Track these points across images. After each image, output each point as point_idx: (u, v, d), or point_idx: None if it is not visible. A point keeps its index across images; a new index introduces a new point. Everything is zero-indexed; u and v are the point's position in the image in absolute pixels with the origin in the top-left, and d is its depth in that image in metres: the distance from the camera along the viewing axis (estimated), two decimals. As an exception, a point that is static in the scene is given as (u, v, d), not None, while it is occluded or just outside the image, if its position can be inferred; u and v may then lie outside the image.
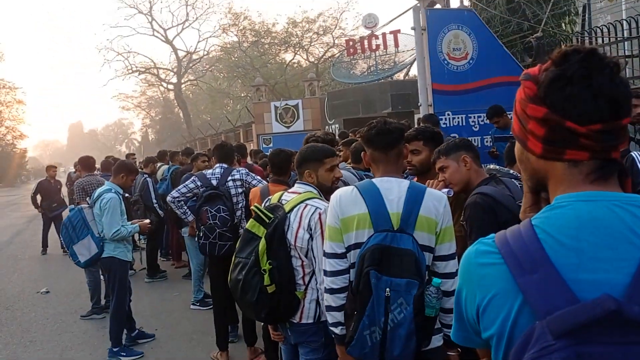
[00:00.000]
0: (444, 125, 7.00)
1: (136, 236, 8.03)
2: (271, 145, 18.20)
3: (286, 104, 19.15)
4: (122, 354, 5.17)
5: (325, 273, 2.39)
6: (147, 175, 8.39)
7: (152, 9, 35.54)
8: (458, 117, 7.30)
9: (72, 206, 5.45)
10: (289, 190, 2.94)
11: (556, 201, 1.00)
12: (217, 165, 5.23)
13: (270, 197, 3.02)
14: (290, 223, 2.73)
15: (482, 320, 1.02)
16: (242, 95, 35.41)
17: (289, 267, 2.72)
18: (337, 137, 6.83)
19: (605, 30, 8.45)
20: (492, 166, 4.92)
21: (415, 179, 3.34)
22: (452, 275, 2.32)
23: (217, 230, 4.78)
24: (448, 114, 7.23)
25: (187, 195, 5.23)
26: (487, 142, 7.20)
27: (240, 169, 5.26)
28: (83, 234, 5.03)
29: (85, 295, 7.08)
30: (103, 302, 6.68)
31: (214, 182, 5.03)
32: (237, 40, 33.04)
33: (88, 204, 5.24)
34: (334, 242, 2.35)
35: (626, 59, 8.23)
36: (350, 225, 2.31)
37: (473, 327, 1.07)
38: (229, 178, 5.04)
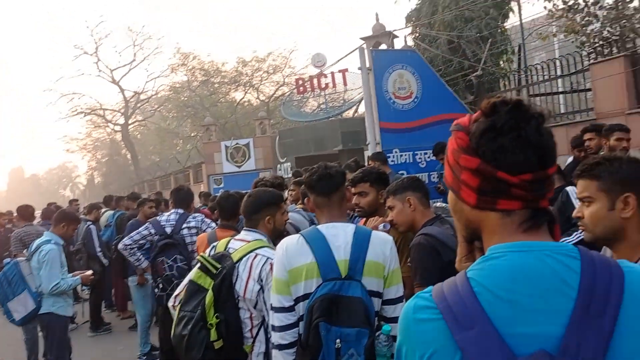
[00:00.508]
0: (392, 163, 7.09)
1: (78, 287, 7.67)
2: (222, 185, 18.01)
3: (237, 143, 19.08)
4: (62, 415, 4.84)
5: (274, 328, 2.31)
6: (90, 223, 8.08)
7: (98, 50, 35.04)
8: (405, 154, 7.40)
9: (8, 259, 5.15)
10: (236, 238, 2.84)
11: (490, 252, 1.00)
12: (172, 210, 5.06)
13: (215, 245, 2.92)
14: (239, 274, 2.63)
15: None
16: (192, 135, 35.07)
17: (236, 320, 2.62)
18: (290, 177, 6.80)
19: (540, 68, 8.85)
20: (438, 204, 5.01)
21: (363, 221, 3.35)
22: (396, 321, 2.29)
23: (175, 281, 4.58)
24: (396, 151, 7.32)
25: (140, 242, 5.04)
26: (433, 178, 7.32)
27: (197, 215, 5.09)
28: (19, 289, 4.74)
29: (22, 354, 6.66)
30: (41, 361, 6.31)
31: (168, 230, 4.85)
32: (187, 80, 32.90)
33: (25, 256, 4.98)
34: (282, 295, 2.28)
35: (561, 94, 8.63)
36: (298, 276, 2.25)
37: None
38: (184, 225, 4.87)
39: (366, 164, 6.78)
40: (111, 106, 38.41)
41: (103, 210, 9.06)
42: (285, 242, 2.38)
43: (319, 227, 2.39)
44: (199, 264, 2.72)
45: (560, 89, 9.20)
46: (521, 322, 0.91)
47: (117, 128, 39.07)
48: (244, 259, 2.65)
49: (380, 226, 3.07)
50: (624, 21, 12.53)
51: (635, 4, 12.66)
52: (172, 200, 5.20)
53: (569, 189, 3.79)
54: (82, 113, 35.98)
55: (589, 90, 8.12)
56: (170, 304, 2.91)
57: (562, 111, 9.28)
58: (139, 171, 35.62)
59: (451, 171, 1.06)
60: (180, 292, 2.81)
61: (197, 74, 32.59)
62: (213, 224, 5.08)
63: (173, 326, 2.70)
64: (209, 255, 2.80)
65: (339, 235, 2.30)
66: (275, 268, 2.34)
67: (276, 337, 2.30)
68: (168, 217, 4.99)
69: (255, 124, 21.09)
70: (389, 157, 7.02)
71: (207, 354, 2.54)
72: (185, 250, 4.72)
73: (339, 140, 15.54)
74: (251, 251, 2.67)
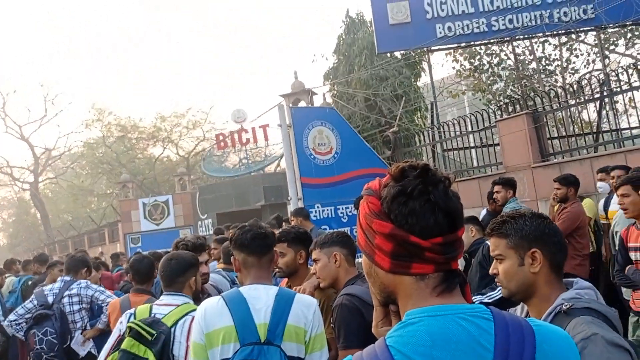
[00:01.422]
0: (315, 218, 7.10)
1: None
2: (140, 244, 17.31)
3: (155, 200, 18.56)
4: None
5: None
6: (-7, 289, 7.43)
7: (5, 105, 33.38)
8: (327, 209, 7.44)
9: None
10: (160, 303, 2.70)
11: (407, 317, 1.01)
12: (60, 279, 4.74)
13: (133, 312, 2.73)
14: (176, 338, 2.53)
15: None
16: (108, 192, 33.77)
17: None
18: (211, 234, 6.62)
19: (452, 124, 9.31)
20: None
21: (285, 280, 3.27)
22: None
23: (44, 357, 4.25)
24: (318, 206, 7.35)
25: (26, 316, 4.60)
26: (355, 232, 7.38)
27: (81, 281, 4.74)
28: None
29: None
30: None
31: (50, 300, 4.51)
32: (102, 136, 31.88)
33: None
34: (198, 359, 2.19)
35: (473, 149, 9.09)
36: (215, 339, 2.15)
37: None
38: (66, 293, 4.54)
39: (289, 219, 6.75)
40: (19, 163, 36.43)
41: (6, 275, 8.37)
42: (205, 304, 2.29)
43: (241, 288, 2.31)
44: (129, 332, 2.54)
45: (472, 144, 9.69)
46: None
47: (26, 186, 36.91)
48: (180, 322, 2.56)
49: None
50: (524, 81, 13.63)
51: (533, 65, 13.86)
52: (64, 267, 4.86)
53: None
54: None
55: (498, 145, 8.60)
56: None
57: (475, 165, 9.74)
58: (50, 231, 33.58)
59: (364, 235, 1.06)
60: None
61: (113, 129, 31.69)
62: (101, 289, 4.84)
63: None
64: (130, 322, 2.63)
65: (261, 297, 2.23)
66: (193, 331, 2.26)
67: None
68: (53, 286, 4.68)
69: (174, 180, 20.67)
70: (311, 212, 7.03)
71: None
72: (59, 322, 4.39)
73: (261, 196, 15.49)
74: (186, 314, 2.58)
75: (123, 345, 2.54)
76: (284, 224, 6.83)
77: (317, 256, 2.88)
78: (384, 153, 9.65)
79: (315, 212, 7.29)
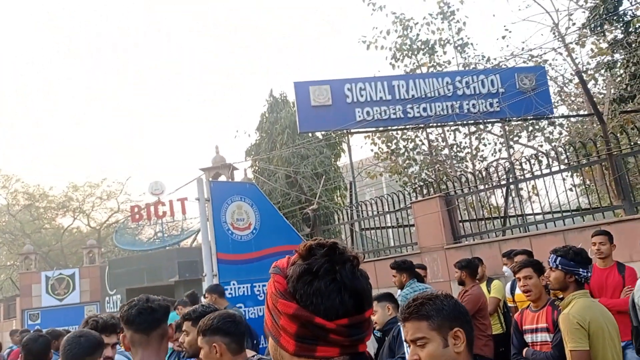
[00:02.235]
0: (230, 295, 6.87)
1: None
2: (39, 321, 16.01)
3: (60, 274, 17.42)
4: None
5: None
6: None
7: None
8: (243, 287, 7.24)
9: None
10: None
11: None
12: None
13: None
14: None
15: None
16: (8, 264, 31.29)
17: None
18: (118, 312, 6.21)
19: (370, 204, 9.54)
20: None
21: (190, 362, 3.11)
22: None
23: None
24: (234, 284, 7.14)
25: None
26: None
27: None
28: None
29: None
30: None
31: None
32: (7, 204, 29.92)
33: None
34: None
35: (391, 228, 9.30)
36: None
37: None
38: None
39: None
40: None
41: None
42: None
43: None
44: None
45: (389, 224, 9.93)
46: None
47: None
48: None
49: None
50: (437, 166, 14.35)
51: (445, 151, 14.68)
52: None
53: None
54: None
55: (413, 225, 8.85)
56: None
57: (391, 244, 9.94)
58: None
59: (271, 316, 1.03)
60: None
61: (20, 197, 29.91)
62: None
63: None
64: None
65: None
66: None
67: None
68: None
69: (83, 252, 19.53)
70: (227, 289, 6.82)
71: None
72: None
73: (176, 271, 14.93)
74: None
75: None
76: (202, 299, 6.57)
77: (200, 344, 2.59)
78: (303, 230, 9.68)
79: (231, 289, 7.07)
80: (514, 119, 12.51)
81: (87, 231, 30.23)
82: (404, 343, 3.30)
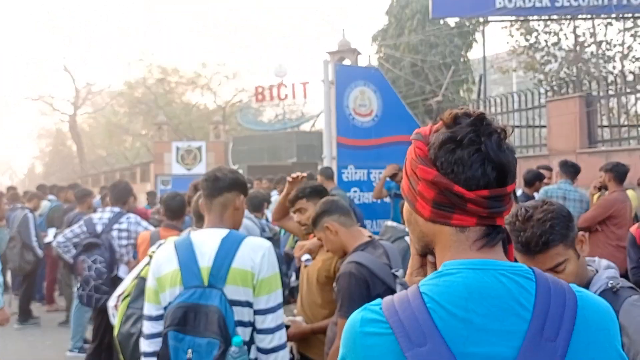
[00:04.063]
0: (346, 179, 7.00)
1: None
2: (169, 187, 17.50)
3: (189, 145, 18.67)
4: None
5: (142, 335, 2.25)
6: (28, 210, 7.57)
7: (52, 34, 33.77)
8: (360, 172, 7.32)
9: None
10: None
11: (444, 267, 0.98)
12: (108, 208, 4.79)
13: (162, 243, 2.71)
14: None
15: None
16: (143, 132, 34.16)
17: None
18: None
19: (498, 100, 8.99)
20: (389, 223, 4.87)
21: (311, 236, 3.19)
22: (270, 331, 2.17)
23: (92, 283, 4.38)
24: (351, 168, 7.24)
25: (74, 240, 4.76)
26: (386, 199, 7.25)
27: (131, 216, 4.79)
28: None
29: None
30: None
31: (99, 229, 4.60)
32: (143, 76, 32.09)
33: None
34: (150, 303, 2.22)
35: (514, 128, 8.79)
36: (165, 283, 2.16)
37: None
38: (115, 226, 4.61)
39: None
40: (61, 95, 37.04)
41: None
42: (159, 249, 2.33)
43: (191, 233, 2.30)
44: (149, 260, 2.54)
45: (517, 123, 9.39)
46: (474, 342, 0.90)
47: (65, 118, 37.62)
48: None
49: (304, 257, 3.01)
50: (580, 64, 13.06)
51: (592, 48, 13.24)
52: (109, 197, 4.90)
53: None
54: (29, 98, 34.47)
55: (544, 127, 8.29)
56: (111, 303, 2.77)
57: (516, 145, 9.45)
58: (84, 164, 34.34)
59: (408, 181, 1.04)
60: (123, 291, 2.66)
61: (154, 71, 31.85)
62: (148, 226, 4.88)
63: (118, 323, 2.57)
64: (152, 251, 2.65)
65: (207, 241, 2.19)
66: (148, 275, 2.28)
67: (143, 345, 2.24)
68: (102, 215, 4.75)
69: (209, 127, 20.70)
70: (343, 172, 6.93)
71: None
72: (108, 253, 4.50)
73: (294, 153, 15.44)
74: None
75: (142, 273, 2.59)
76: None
77: (318, 235, 2.78)
78: (424, 122, 9.42)
79: (348, 173, 7.17)
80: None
81: (213, 108, 31.84)
82: None
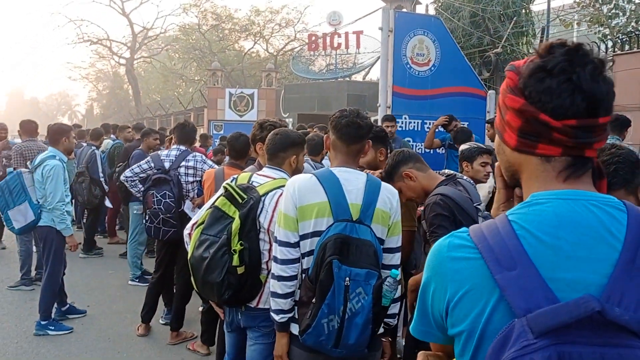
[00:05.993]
0: (400, 129, 7.04)
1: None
2: (222, 132, 17.88)
3: (241, 92, 18.87)
4: (51, 327, 4.92)
5: (276, 260, 2.35)
6: (95, 148, 8.05)
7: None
8: (414, 122, 7.35)
9: (11, 169, 5.13)
10: (259, 173, 2.84)
11: (533, 198, 0.99)
12: (175, 147, 4.99)
13: (236, 177, 2.90)
14: (264, 206, 2.65)
15: (451, 315, 0.99)
16: (196, 79, 34.61)
17: (258, 250, 2.65)
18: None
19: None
20: (447, 171, 4.99)
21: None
22: (395, 267, 2.37)
23: (161, 216, 4.63)
24: (405, 118, 7.27)
25: (141, 175, 5.00)
26: (440, 150, 7.29)
27: (197, 154, 4.98)
28: (20, 199, 4.76)
29: (14, 264, 6.73)
30: (33, 273, 6.37)
31: (167, 165, 4.81)
32: (197, 22, 32.28)
33: (28, 169, 4.96)
34: (289, 230, 2.31)
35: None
36: (309, 213, 2.28)
37: (438, 322, 1.05)
38: (183, 163, 4.81)
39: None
40: (118, 38, 37.72)
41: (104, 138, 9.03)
42: (296, 179, 2.39)
43: (332, 169, 2.40)
44: (224, 192, 2.72)
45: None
46: (563, 268, 0.90)
47: (122, 61, 38.44)
48: (271, 193, 2.67)
49: None
50: (650, 18, 12.37)
51: (665, 2, 12.49)
52: (175, 136, 5.10)
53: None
54: (89, 41, 35.30)
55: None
56: (186, 232, 2.91)
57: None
58: (140, 107, 35.25)
59: (499, 112, 1.05)
60: (197, 220, 2.81)
61: (209, 17, 31.97)
62: (213, 164, 5.05)
63: (191, 248, 2.72)
64: (227, 184, 2.79)
65: (352, 180, 2.33)
66: (284, 204, 2.36)
67: (277, 269, 2.35)
68: (169, 153, 4.93)
69: (261, 75, 20.83)
70: (398, 122, 6.96)
71: (228, 278, 2.56)
72: (177, 188, 4.69)
73: (345, 102, 15.44)
74: (278, 187, 2.67)
75: (216, 203, 2.73)
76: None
77: (397, 186, 2.87)
78: (482, 74, 9.26)
79: (402, 123, 7.21)
80: None
81: (265, 56, 31.89)
82: None
